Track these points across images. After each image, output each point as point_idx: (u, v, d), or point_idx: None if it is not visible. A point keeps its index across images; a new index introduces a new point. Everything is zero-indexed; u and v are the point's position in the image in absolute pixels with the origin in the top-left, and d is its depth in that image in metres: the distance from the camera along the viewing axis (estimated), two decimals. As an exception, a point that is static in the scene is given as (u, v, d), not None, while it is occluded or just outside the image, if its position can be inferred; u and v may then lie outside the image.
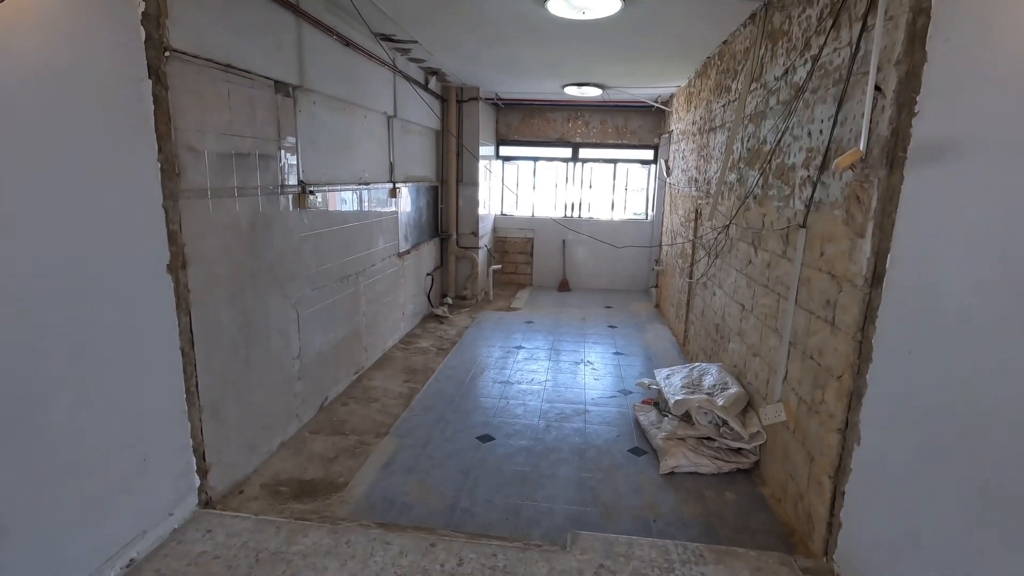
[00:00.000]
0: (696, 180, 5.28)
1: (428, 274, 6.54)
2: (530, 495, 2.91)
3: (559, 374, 4.74)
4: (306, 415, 3.67)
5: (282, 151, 3.25)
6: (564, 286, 8.26)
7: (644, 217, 8.33)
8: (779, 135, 3.06)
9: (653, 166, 8.09)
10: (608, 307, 7.27)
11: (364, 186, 4.54)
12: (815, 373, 2.48)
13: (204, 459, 2.65)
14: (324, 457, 3.25)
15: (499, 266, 7.77)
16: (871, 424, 2.06)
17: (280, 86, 3.21)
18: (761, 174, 3.32)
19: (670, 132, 6.94)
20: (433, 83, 6.21)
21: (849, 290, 2.21)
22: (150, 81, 2.20)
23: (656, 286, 7.25)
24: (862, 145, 2.11)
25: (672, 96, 6.84)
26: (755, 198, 3.44)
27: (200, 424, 2.61)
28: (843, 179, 2.31)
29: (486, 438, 3.52)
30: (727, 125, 4.21)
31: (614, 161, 8.26)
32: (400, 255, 5.51)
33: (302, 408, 3.61)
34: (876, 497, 2.02)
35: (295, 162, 3.41)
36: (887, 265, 1.99)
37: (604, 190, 8.43)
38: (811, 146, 2.66)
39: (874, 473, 2.04)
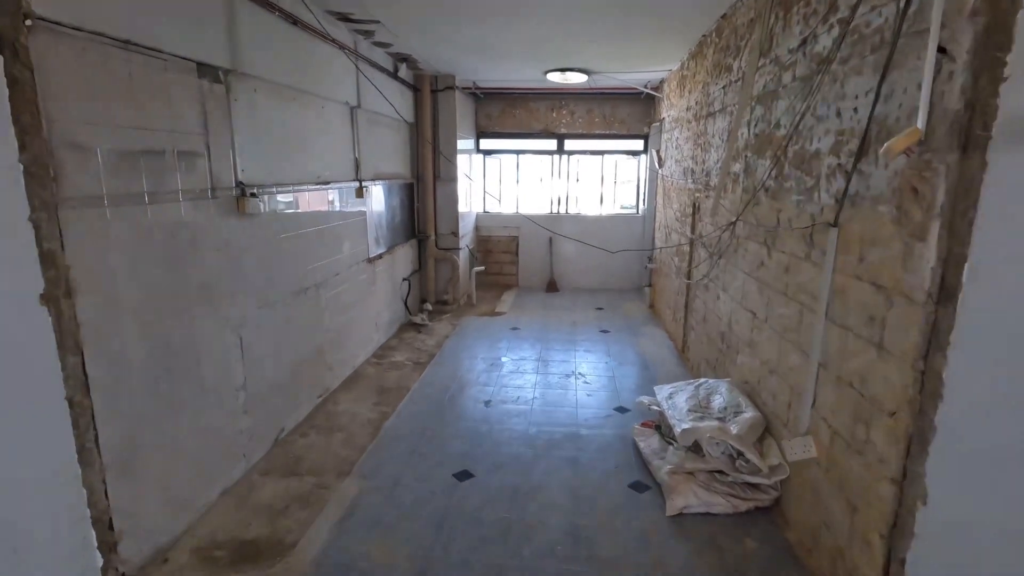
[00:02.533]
0: (693, 171, 4.83)
1: (404, 279, 6.05)
2: (515, 551, 2.44)
3: (548, 390, 4.28)
4: (256, 453, 3.18)
5: (212, 148, 2.74)
6: (552, 287, 7.80)
7: (635, 211, 7.89)
8: (797, 117, 2.61)
9: (643, 157, 7.64)
10: (599, 309, 6.82)
11: (324, 186, 4.03)
12: (855, 404, 2.04)
13: (111, 528, 2.14)
14: (272, 508, 2.76)
15: (482, 267, 7.30)
16: (943, 481, 1.62)
17: (206, 70, 2.69)
18: (774, 163, 2.87)
19: (661, 120, 6.49)
20: (404, 71, 5.69)
21: (904, 306, 1.76)
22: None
23: (650, 285, 6.82)
24: (920, 123, 1.66)
25: (663, 81, 6.38)
26: (767, 191, 2.99)
27: (104, 487, 2.10)
28: (889, 168, 1.85)
29: (464, 475, 3.06)
30: (729, 109, 3.76)
31: (602, 152, 7.79)
32: (371, 260, 5.01)
33: (250, 446, 3.11)
34: None
35: (230, 160, 2.90)
36: (963, 277, 1.54)
37: (592, 183, 7.96)
38: (841, 128, 2.20)
39: (950, 545, 1.60)
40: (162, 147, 2.40)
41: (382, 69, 5.08)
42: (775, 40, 2.96)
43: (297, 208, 3.65)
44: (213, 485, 2.80)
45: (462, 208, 6.81)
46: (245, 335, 3.04)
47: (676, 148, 5.62)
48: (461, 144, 6.68)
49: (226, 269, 2.86)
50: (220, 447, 2.85)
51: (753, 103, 3.26)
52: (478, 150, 7.80)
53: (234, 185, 2.93)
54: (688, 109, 5.08)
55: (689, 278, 4.88)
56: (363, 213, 4.84)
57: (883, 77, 1.90)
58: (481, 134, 7.73)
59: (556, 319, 6.34)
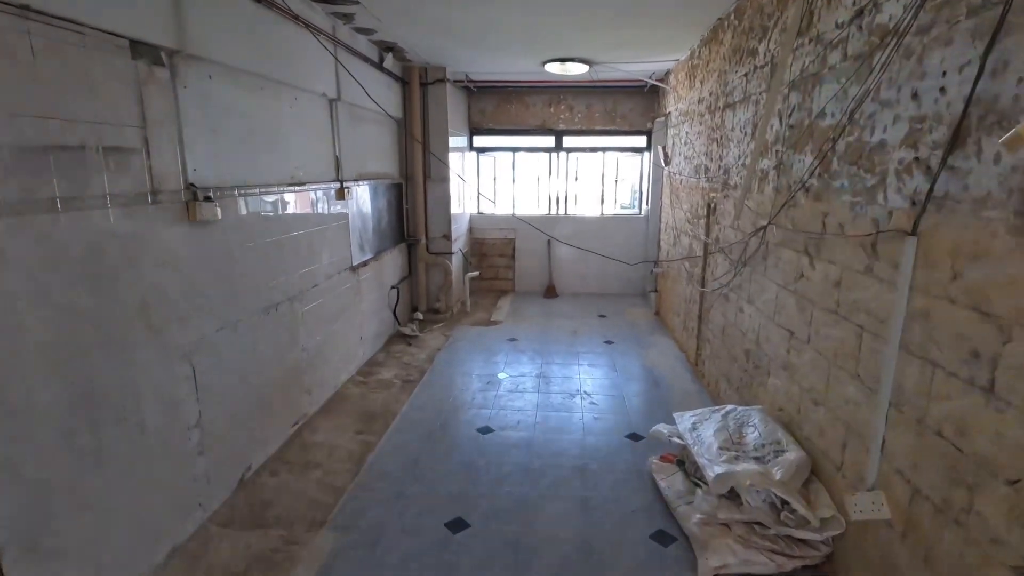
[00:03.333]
0: (706, 168, 4.41)
1: (393, 287, 5.60)
2: (520, 631, 2.01)
3: (550, 413, 3.85)
4: (215, 499, 2.73)
5: (151, 143, 2.28)
6: (551, 292, 7.38)
7: (637, 211, 7.47)
8: (850, 103, 2.19)
9: (647, 154, 7.23)
10: (602, 316, 6.39)
11: (298, 187, 3.58)
12: (950, 460, 1.62)
13: (11, 624, 1.70)
14: (230, 573, 2.32)
15: (476, 272, 6.85)
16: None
17: (143, 49, 2.24)
18: (818, 158, 2.45)
19: (667, 114, 6.07)
20: (390, 62, 5.24)
21: (1032, 343, 1.34)
22: None
23: (656, 290, 6.40)
24: (1060, 102, 1.24)
25: (669, 73, 5.96)
26: (807, 191, 2.57)
27: (-1, 573, 1.66)
28: (1004, 163, 1.44)
29: (459, 524, 2.62)
30: (754, 98, 3.34)
31: (603, 149, 7.36)
32: (354, 268, 4.56)
33: (207, 492, 2.66)
34: None
35: (177, 158, 2.45)
36: None
37: (592, 182, 7.53)
38: (920, 113, 1.78)
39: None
40: (81, 141, 1.94)
41: (365, 59, 4.63)
42: (816, 15, 2.54)
43: (266, 213, 3.20)
44: (160, 544, 2.35)
45: (455, 209, 6.37)
46: (200, 363, 2.59)
47: (685, 144, 5.20)
48: (453, 141, 6.24)
49: (173, 287, 2.41)
50: (168, 499, 2.40)
51: (786, 90, 2.84)
52: (471, 148, 7.36)
53: (183, 187, 2.48)
54: (700, 101, 4.66)
55: (703, 285, 4.46)
56: (345, 217, 4.39)
57: (990, 47, 1.48)
58: (474, 131, 7.29)
59: (556, 328, 5.91)
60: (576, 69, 5.51)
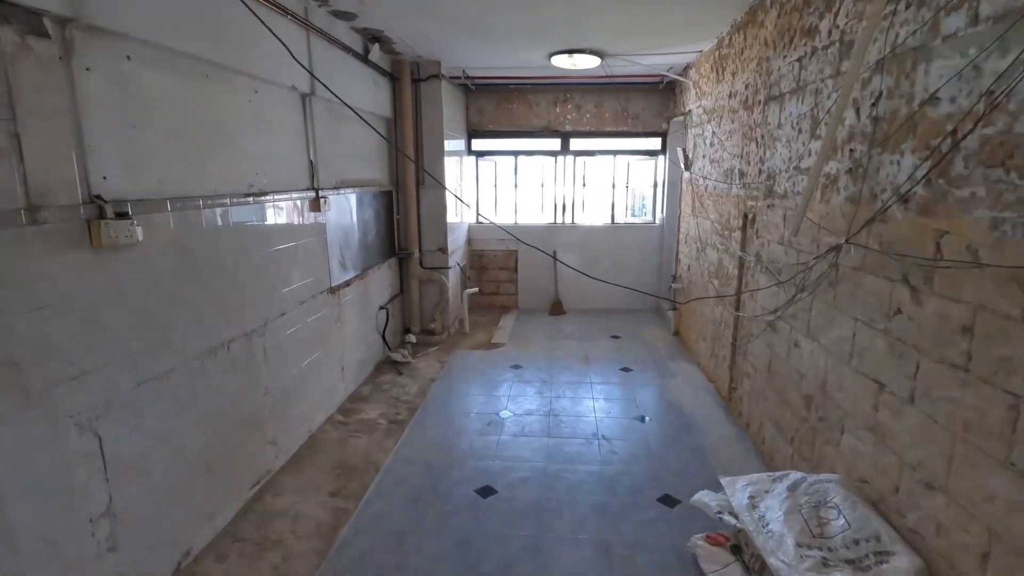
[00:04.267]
0: (742, 173, 3.80)
1: (382, 307, 4.98)
2: None
3: (564, 466, 3.22)
4: (134, 606, 2.10)
5: (26, 142, 1.67)
6: (557, 308, 6.75)
7: (650, 220, 6.85)
8: (991, 80, 1.57)
9: (661, 157, 6.62)
10: (615, 337, 5.77)
11: (259, 198, 2.96)
12: None
13: None
14: None
15: (476, 288, 6.23)
16: None
17: (13, 13, 1.63)
18: (931, 159, 1.83)
19: (686, 113, 5.46)
20: (376, 54, 4.64)
21: None
22: None
23: (675, 308, 5.78)
24: None
25: (689, 67, 5.35)
26: (905, 202, 1.96)
27: None
28: None
29: (451, 643, 1.99)
30: (812, 87, 2.73)
31: (613, 152, 6.76)
32: (334, 290, 3.94)
33: (122, 599, 2.04)
34: None
35: (73, 163, 1.84)
36: None
37: (602, 188, 6.92)
38: None
39: None
40: None
41: (347, 49, 4.03)
42: (919, -29, 1.93)
43: (213, 230, 2.58)
44: None
45: (451, 219, 5.76)
46: (109, 432, 1.97)
47: (711, 145, 4.59)
48: (449, 144, 5.64)
49: (65, 335, 1.80)
50: (55, 624, 1.77)
51: (867, 73, 2.23)
52: (469, 151, 6.76)
53: (83, 202, 1.86)
54: (732, 96, 4.05)
55: (738, 308, 3.84)
56: (322, 230, 3.77)
57: None
58: (473, 133, 6.69)
59: (565, 352, 5.28)
60: (587, 62, 4.91)
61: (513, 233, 6.82)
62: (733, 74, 4.03)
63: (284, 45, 2.79)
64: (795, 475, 2.32)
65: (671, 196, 6.49)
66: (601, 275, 6.73)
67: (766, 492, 2.27)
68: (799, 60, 2.89)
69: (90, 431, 1.89)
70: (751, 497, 2.28)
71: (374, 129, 4.25)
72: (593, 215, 7.00)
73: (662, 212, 6.67)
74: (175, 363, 2.32)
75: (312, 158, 3.63)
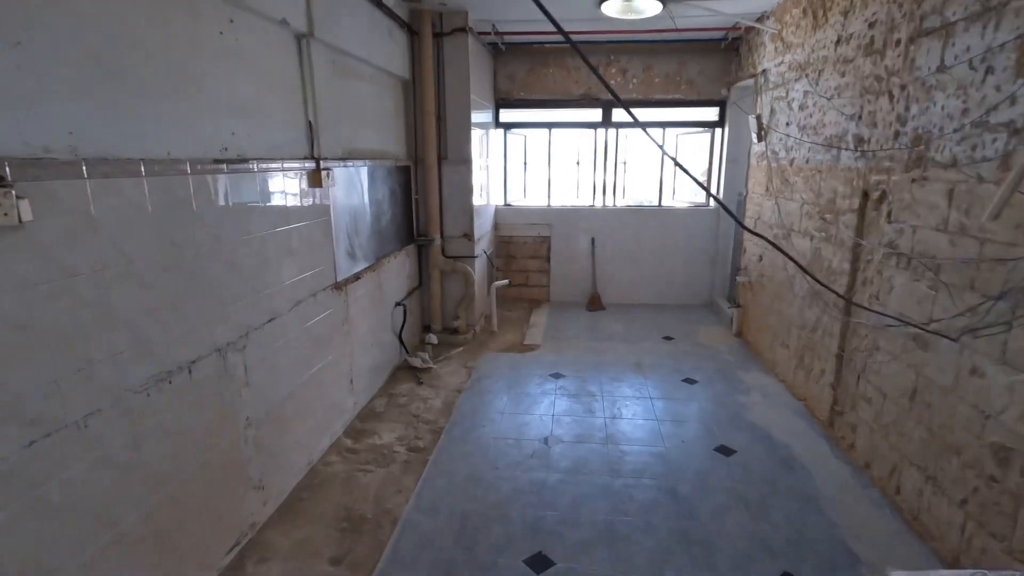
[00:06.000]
0: (860, 139, 2.95)
1: (399, 303, 4.23)
2: None
3: (640, 525, 2.45)
4: None
5: None
6: (595, 303, 5.95)
7: (704, 202, 5.99)
8: None
9: (719, 131, 5.73)
10: (668, 338, 4.96)
11: (236, 166, 2.21)
12: None
13: None
14: None
15: (506, 281, 5.45)
16: None
17: None
18: None
19: (759, 73, 4.58)
20: (393, 1, 3.83)
21: None
22: None
23: (739, 305, 4.95)
24: None
25: (765, 16, 4.45)
26: None
27: None
28: None
29: None
30: (1014, 5, 1.87)
31: (663, 124, 5.89)
32: (339, 286, 3.20)
33: None
34: None
35: None
36: None
37: (648, 166, 6.08)
38: None
39: None
40: None
41: (356, -15, 3.23)
42: None
43: (164, 206, 1.83)
44: None
45: (477, 200, 4.97)
46: (-26, 525, 1.24)
47: (802, 108, 3.73)
48: (476, 116, 4.83)
49: None
50: None
51: None
52: (497, 123, 5.94)
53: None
54: (842, 41, 3.18)
55: (849, 313, 3.02)
56: (325, 211, 3.02)
57: None
58: (501, 102, 5.86)
59: (612, 357, 4.50)
60: (645, 8, 4.05)
61: (546, 217, 6.05)
62: (845, 13, 3.16)
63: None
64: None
65: (731, 175, 5.62)
66: (645, 265, 5.94)
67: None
68: (990, -31, 2.04)
69: (-67, 531, 1.17)
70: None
71: (400, 86, 3.45)
72: (638, 196, 6.16)
73: (719, 193, 5.80)
74: (100, 402, 1.58)
75: (311, 118, 2.85)
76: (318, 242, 2.94)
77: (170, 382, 1.85)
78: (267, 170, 2.44)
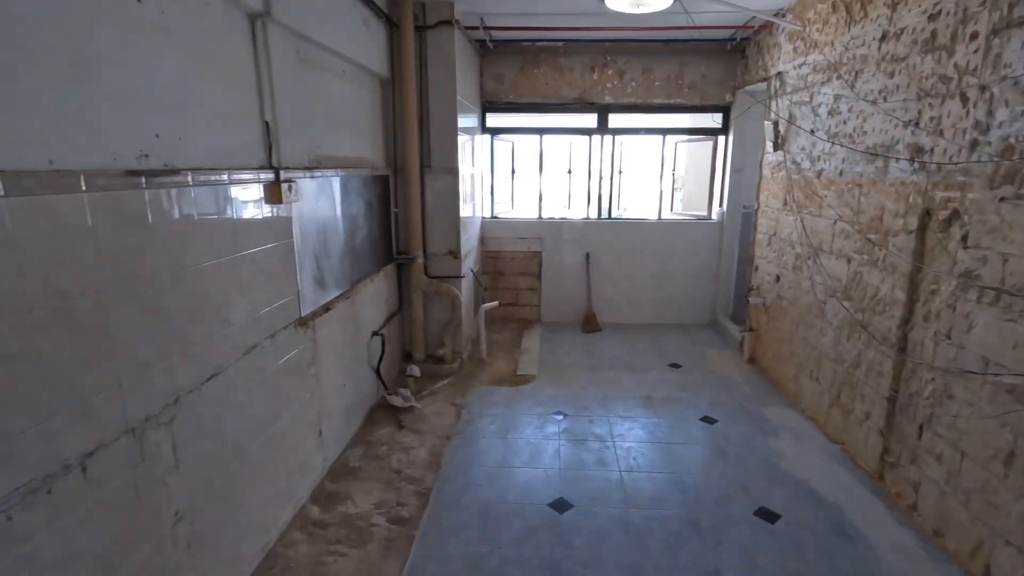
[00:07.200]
0: (919, 148, 2.54)
1: (376, 333, 3.68)
2: None
3: (681, 622, 1.96)
4: None
5: None
6: (591, 323, 5.48)
7: (706, 216, 5.58)
8: None
9: (722, 138, 5.35)
10: (675, 366, 4.51)
11: (159, 178, 1.65)
12: None
13: None
14: None
15: (496, 303, 4.94)
16: None
17: None
18: None
19: (774, 76, 4.19)
20: (369, -16, 3.32)
21: None
22: None
23: (751, 329, 4.53)
24: None
25: (781, 12, 4.06)
26: None
27: None
28: None
29: None
30: None
31: (663, 132, 5.48)
32: (304, 321, 2.64)
33: None
34: None
35: None
36: None
37: (647, 175, 5.66)
38: None
39: None
40: None
41: (325, -39, 2.71)
42: None
43: (42, 233, 1.28)
44: None
45: (464, 212, 4.46)
46: None
47: (833, 114, 3.33)
48: (462, 120, 4.32)
49: None
50: None
51: None
52: (484, 128, 5.45)
53: None
54: (889, 37, 2.78)
55: (903, 350, 2.61)
56: (286, 230, 2.47)
57: None
58: (488, 105, 5.37)
59: (617, 389, 4.02)
60: (654, 1, 3.61)
61: (537, 230, 5.57)
62: (892, 5, 2.76)
63: None
64: None
65: (736, 185, 5.24)
66: (644, 280, 5.52)
67: None
68: None
69: None
70: None
71: (378, 84, 2.93)
72: (636, 209, 5.74)
73: (721, 206, 5.41)
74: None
75: (269, 118, 2.31)
76: (278, 270, 2.39)
77: (49, 492, 1.29)
78: (207, 183, 1.89)
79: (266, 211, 2.29)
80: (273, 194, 2.32)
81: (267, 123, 2.31)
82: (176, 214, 1.73)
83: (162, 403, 1.66)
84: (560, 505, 2.64)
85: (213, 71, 1.95)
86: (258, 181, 2.22)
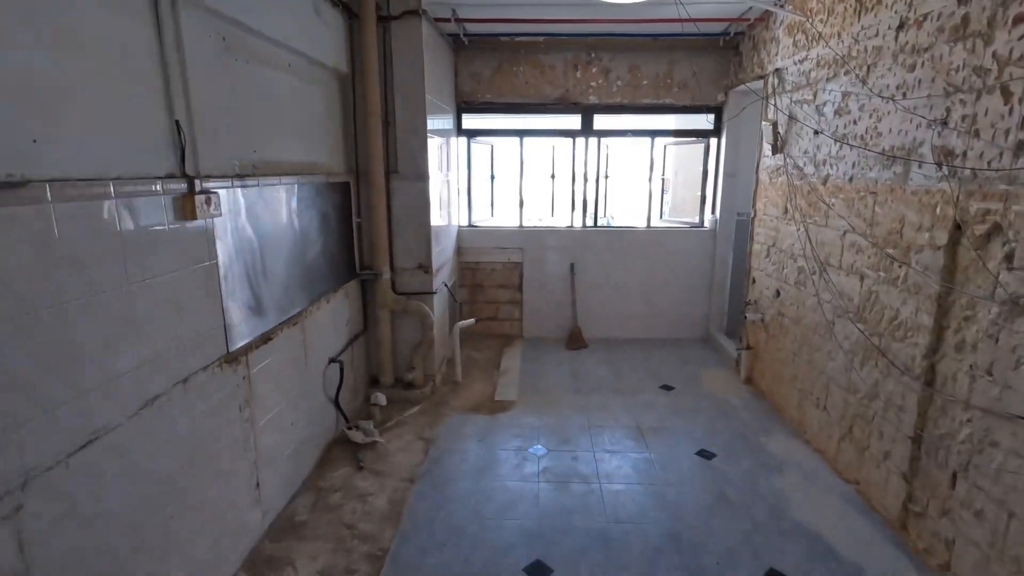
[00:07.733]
0: (949, 152, 2.20)
1: (334, 359, 3.28)
2: None
3: None
4: None
5: None
6: (576, 339, 5.11)
7: (697, 222, 5.24)
8: None
9: (714, 140, 5.01)
10: (667, 388, 4.15)
11: (5, 192, 1.25)
12: None
13: None
14: None
15: (472, 320, 4.55)
16: None
17: None
18: None
19: (771, 74, 3.86)
20: (320, -34, 2.93)
21: None
22: None
23: (749, 347, 4.18)
24: None
25: (780, 2, 3.72)
26: None
27: None
28: None
29: None
30: None
31: (652, 134, 5.14)
32: (234, 357, 2.23)
33: None
34: None
35: None
36: None
37: (635, 180, 5.31)
38: None
39: None
40: None
41: (259, -66, 2.31)
42: None
43: None
44: None
45: (437, 221, 4.07)
46: None
47: (840, 114, 2.99)
48: (433, 121, 3.94)
49: None
50: None
51: None
52: (459, 131, 5.06)
53: None
54: (908, 26, 2.45)
55: (931, 384, 2.26)
56: (207, 253, 2.06)
57: None
58: (463, 106, 4.99)
59: (604, 417, 3.65)
60: (642, -11, 3.26)
61: (518, 240, 5.19)
62: (911, -10, 2.42)
63: None
64: None
65: (729, 191, 4.91)
66: (632, 293, 5.16)
67: None
68: None
69: None
70: None
71: (336, 81, 2.54)
72: (624, 215, 5.39)
73: (714, 213, 5.08)
74: None
75: (181, 117, 1.90)
76: (194, 300, 1.98)
77: None
78: (79, 197, 1.48)
79: (176, 230, 1.89)
80: (186, 208, 1.92)
81: (177, 123, 1.90)
82: (23, 240, 1.32)
83: (2, 490, 1.26)
84: (537, 570, 2.25)
85: (92, 58, 1.54)
86: (163, 193, 1.82)
